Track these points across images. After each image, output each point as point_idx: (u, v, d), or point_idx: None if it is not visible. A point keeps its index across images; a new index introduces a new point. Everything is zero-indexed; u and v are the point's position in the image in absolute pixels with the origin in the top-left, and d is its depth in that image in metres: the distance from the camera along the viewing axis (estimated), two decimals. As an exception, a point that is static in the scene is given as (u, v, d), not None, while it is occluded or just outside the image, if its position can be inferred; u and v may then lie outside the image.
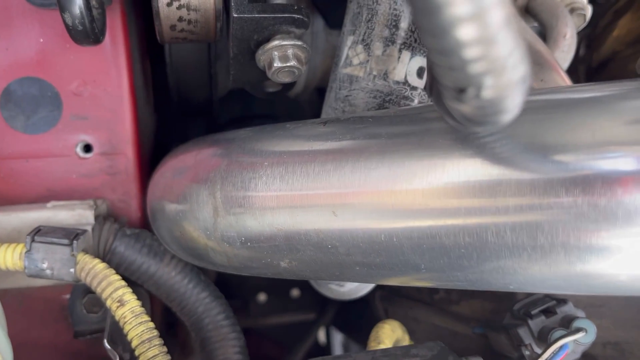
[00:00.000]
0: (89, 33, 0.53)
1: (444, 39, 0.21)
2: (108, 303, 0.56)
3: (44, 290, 0.68)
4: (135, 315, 0.55)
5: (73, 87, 0.68)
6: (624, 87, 0.38)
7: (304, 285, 1.52)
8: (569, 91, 0.41)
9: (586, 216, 0.35)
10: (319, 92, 1.02)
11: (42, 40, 0.66)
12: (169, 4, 0.51)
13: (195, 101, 0.86)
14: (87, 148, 0.69)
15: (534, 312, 0.56)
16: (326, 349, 1.44)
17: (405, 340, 0.62)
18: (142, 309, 0.56)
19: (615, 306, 0.66)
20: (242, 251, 0.51)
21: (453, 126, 0.34)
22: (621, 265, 0.37)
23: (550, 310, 0.56)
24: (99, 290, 0.56)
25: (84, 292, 0.68)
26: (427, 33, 0.22)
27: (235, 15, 0.50)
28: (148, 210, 0.66)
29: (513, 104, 0.26)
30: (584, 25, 0.69)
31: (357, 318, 1.26)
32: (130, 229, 0.65)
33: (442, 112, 0.33)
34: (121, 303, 0.55)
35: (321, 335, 1.44)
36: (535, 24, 0.67)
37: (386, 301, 0.91)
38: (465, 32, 0.21)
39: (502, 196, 0.38)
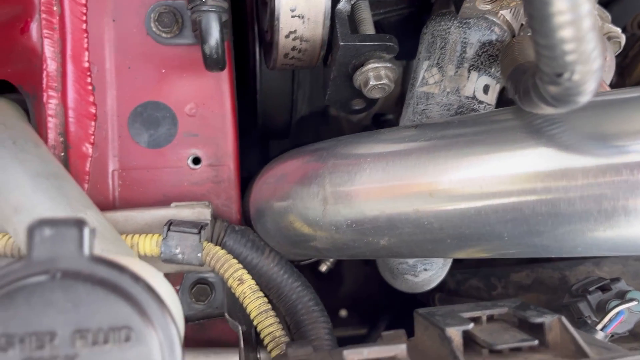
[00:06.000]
0: (220, 61, 0.66)
1: (551, 38, 0.33)
2: (229, 282, 0.67)
3: (158, 282, 0.80)
4: (253, 292, 0.66)
5: (187, 109, 0.81)
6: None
7: (352, 306, 1.60)
8: (618, 93, 0.52)
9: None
10: (374, 118, 1.14)
11: (163, 70, 0.80)
12: (287, 36, 0.64)
13: (275, 125, 0.99)
14: (197, 160, 0.82)
15: (591, 289, 0.65)
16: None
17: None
18: (257, 286, 0.67)
19: (660, 292, 0.75)
20: (347, 233, 0.62)
21: (540, 109, 0.46)
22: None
23: (605, 287, 0.65)
24: (221, 271, 0.67)
25: (192, 284, 0.80)
26: (539, 34, 0.33)
27: (341, 44, 0.63)
28: (252, 211, 0.78)
29: (591, 88, 0.37)
30: (619, 50, 0.81)
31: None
32: (238, 226, 0.77)
33: (531, 103, 0.45)
34: (241, 281, 0.66)
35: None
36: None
37: (445, 302, 1.00)
38: (566, 33, 0.32)
39: (572, 176, 0.49)
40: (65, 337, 0.33)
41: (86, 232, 0.35)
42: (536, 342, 0.46)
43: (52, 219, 0.35)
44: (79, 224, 0.35)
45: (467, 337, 0.48)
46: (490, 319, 0.51)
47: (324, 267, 1.02)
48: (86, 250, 0.35)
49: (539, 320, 0.47)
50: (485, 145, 0.54)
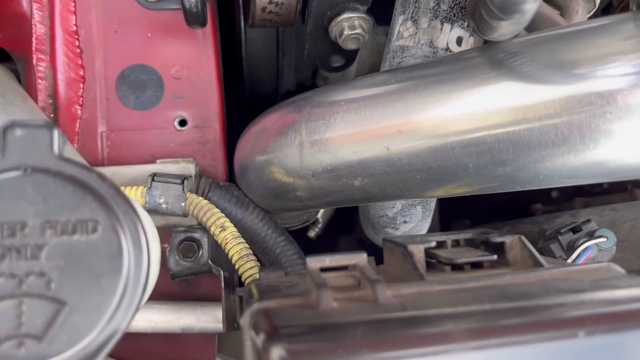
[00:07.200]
0: (200, 16, 0.68)
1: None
2: (212, 229, 0.69)
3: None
4: (234, 237, 0.68)
5: (173, 72, 0.83)
6: (618, 17, 0.51)
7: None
8: (574, 25, 0.54)
9: (594, 104, 0.48)
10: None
11: (149, 34, 0.82)
12: (263, -11, 0.66)
13: (263, 93, 1.01)
14: (183, 122, 0.84)
15: (563, 230, 0.67)
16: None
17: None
18: (239, 233, 0.69)
19: (635, 241, 0.76)
20: (322, 177, 0.64)
21: (493, 30, 0.48)
22: (625, 148, 0.49)
23: (577, 229, 0.67)
24: (204, 219, 0.70)
25: (179, 242, 0.82)
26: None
27: (315, -6, 0.65)
28: (236, 169, 0.80)
29: (532, -6, 0.39)
30: (595, 9, 0.82)
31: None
32: (223, 182, 0.79)
33: (485, 25, 0.47)
34: (223, 228, 0.68)
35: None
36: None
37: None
38: None
39: (531, 105, 0.51)
40: (35, 227, 0.35)
41: (56, 134, 0.37)
42: (495, 257, 0.47)
43: (24, 121, 0.37)
44: (49, 126, 0.37)
45: (431, 257, 0.49)
46: (456, 244, 0.53)
47: (312, 233, 1.04)
48: (55, 150, 0.37)
49: (499, 239, 0.49)
50: (450, 83, 0.56)
